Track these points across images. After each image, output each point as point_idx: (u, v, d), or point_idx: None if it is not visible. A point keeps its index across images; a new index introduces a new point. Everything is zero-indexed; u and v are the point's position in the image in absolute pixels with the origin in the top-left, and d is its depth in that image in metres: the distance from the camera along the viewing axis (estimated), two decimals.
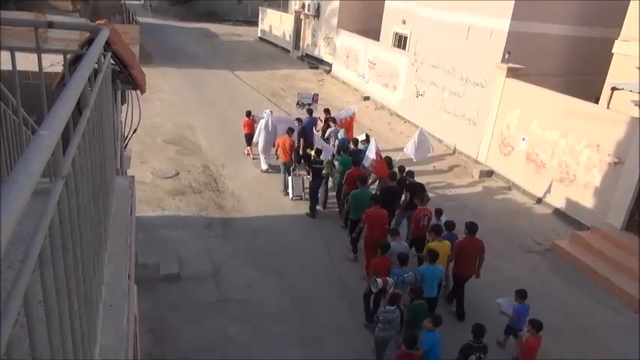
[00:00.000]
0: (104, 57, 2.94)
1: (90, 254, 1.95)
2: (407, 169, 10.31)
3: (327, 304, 8.04)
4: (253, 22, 38.03)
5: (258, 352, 6.92)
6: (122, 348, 2.20)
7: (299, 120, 12.27)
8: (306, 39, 27.86)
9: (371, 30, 21.78)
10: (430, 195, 10.05)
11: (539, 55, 13.90)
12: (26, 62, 3.87)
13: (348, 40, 22.99)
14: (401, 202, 9.58)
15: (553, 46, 14.12)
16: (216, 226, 10.04)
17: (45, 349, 1.23)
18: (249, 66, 24.79)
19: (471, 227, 7.79)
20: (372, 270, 7.24)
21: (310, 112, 13.20)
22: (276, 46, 31.63)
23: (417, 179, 10.17)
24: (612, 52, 11.94)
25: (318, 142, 11.65)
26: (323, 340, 7.27)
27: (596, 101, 12.17)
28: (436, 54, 16.33)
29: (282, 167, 11.63)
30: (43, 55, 2.77)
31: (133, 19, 27.09)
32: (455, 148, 15.24)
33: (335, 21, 24.22)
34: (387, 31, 21.05)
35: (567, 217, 11.46)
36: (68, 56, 3.56)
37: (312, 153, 10.87)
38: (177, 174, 12.05)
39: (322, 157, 10.72)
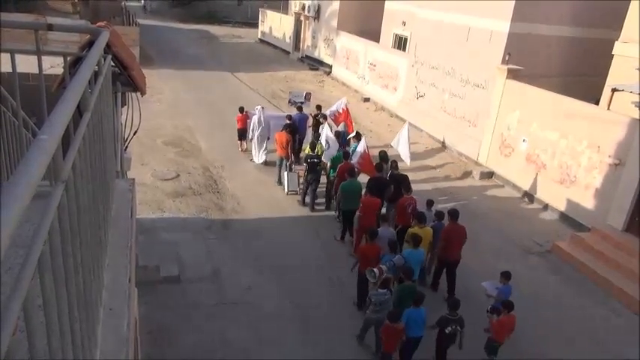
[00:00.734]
0: (104, 59, 2.93)
1: (90, 258, 1.94)
2: (391, 160, 10.76)
3: (327, 306, 8.03)
4: (253, 23, 38.05)
5: (257, 354, 6.91)
6: (123, 351, 2.19)
7: (289, 117, 12.63)
8: (306, 40, 27.89)
9: (371, 31, 21.79)
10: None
11: (539, 57, 13.91)
12: (26, 64, 3.87)
13: (348, 42, 23.01)
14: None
15: (553, 47, 14.13)
16: (216, 227, 10.03)
17: (44, 353, 1.22)
18: (249, 67, 24.80)
19: (454, 214, 8.30)
20: (361, 256, 7.75)
21: (300, 109, 13.53)
22: (276, 47, 31.65)
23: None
24: (612, 53, 11.94)
25: (310, 138, 12.01)
26: (323, 342, 7.26)
27: (597, 102, 12.16)
28: (436, 55, 16.33)
29: (277, 162, 12.08)
30: (42, 56, 2.77)
31: (133, 20, 27.10)
32: (455, 150, 15.24)
33: (335, 22, 24.24)
34: (387, 33, 21.06)
35: (568, 218, 11.45)
36: (68, 58, 3.56)
37: (307, 148, 11.18)
38: (178, 176, 12.04)
39: (328, 151, 10.98)
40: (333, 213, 10.82)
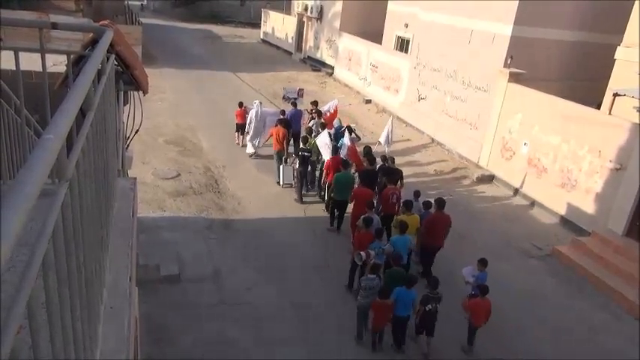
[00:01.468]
0: (107, 58, 2.94)
1: (92, 257, 1.94)
2: (389, 156, 11.21)
3: (327, 306, 8.03)
4: (256, 24, 38.08)
5: (257, 354, 6.91)
6: (123, 350, 2.20)
7: (282, 112, 13.04)
8: (309, 41, 27.90)
9: (373, 33, 21.81)
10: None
11: (541, 60, 13.91)
12: (29, 61, 3.87)
13: (351, 43, 23.02)
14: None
15: (555, 51, 14.13)
16: (217, 227, 10.03)
17: (47, 351, 1.22)
18: (252, 68, 24.81)
19: (440, 202, 8.61)
20: (357, 243, 8.02)
21: (294, 105, 13.80)
22: (278, 48, 31.66)
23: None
24: (614, 57, 11.94)
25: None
26: (323, 342, 7.26)
27: (598, 107, 12.15)
28: (438, 58, 16.34)
29: (275, 156, 12.21)
30: (46, 54, 2.77)
31: (135, 19, 27.15)
32: (456, 152, 15.24)
33: (337, 23, 24.25)
34: (390, 35, 21.07)
35: (568, 222, 11.44)
36: (71, 56, 3.56)
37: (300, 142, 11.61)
38: (179, 175, 12.05)
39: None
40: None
